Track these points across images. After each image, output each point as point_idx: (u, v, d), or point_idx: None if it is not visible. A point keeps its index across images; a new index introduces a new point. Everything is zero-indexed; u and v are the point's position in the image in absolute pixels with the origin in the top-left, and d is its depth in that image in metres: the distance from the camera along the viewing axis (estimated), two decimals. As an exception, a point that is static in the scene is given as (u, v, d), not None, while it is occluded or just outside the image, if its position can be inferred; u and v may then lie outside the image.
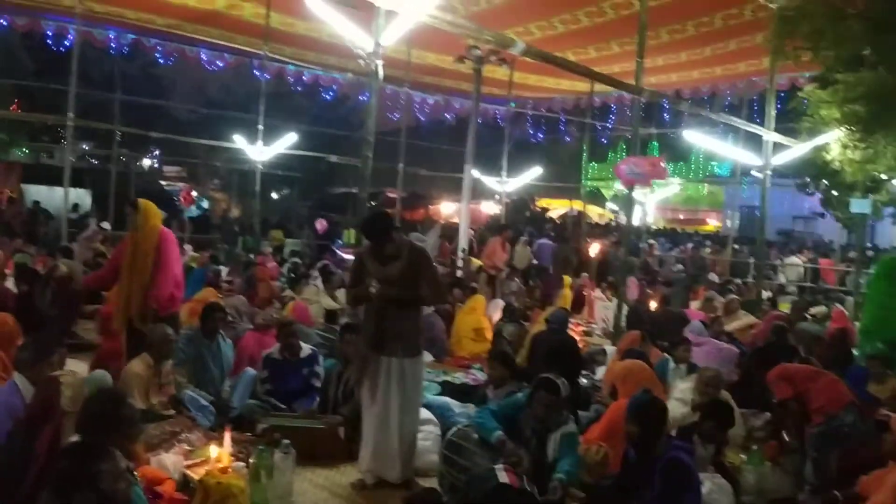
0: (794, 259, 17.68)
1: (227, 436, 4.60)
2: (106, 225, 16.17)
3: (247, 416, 5.48)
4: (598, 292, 11.59)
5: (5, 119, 21.05)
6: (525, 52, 7.93)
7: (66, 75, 14.72)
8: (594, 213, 26.64)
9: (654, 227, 25.96)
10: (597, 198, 26.85)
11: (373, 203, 23.63)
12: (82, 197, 20.98)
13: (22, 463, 3.23)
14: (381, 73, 6.77)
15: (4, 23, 15.18)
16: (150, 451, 4.47)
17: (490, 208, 22.17)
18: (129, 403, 3.16)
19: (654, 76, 14.55)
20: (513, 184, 16.35)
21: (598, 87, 16.38)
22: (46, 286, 8.16)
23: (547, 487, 3.95)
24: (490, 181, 16.12)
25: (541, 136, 25.36)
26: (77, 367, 5.24)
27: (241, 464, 4.36)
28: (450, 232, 16.66)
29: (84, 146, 25.32)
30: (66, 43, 15.63)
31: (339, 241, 18.83)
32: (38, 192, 20.37)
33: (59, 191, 15.97)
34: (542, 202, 29.80)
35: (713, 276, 14.87)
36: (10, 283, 8.69)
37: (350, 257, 15.45)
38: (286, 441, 4.40)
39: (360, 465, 4.79)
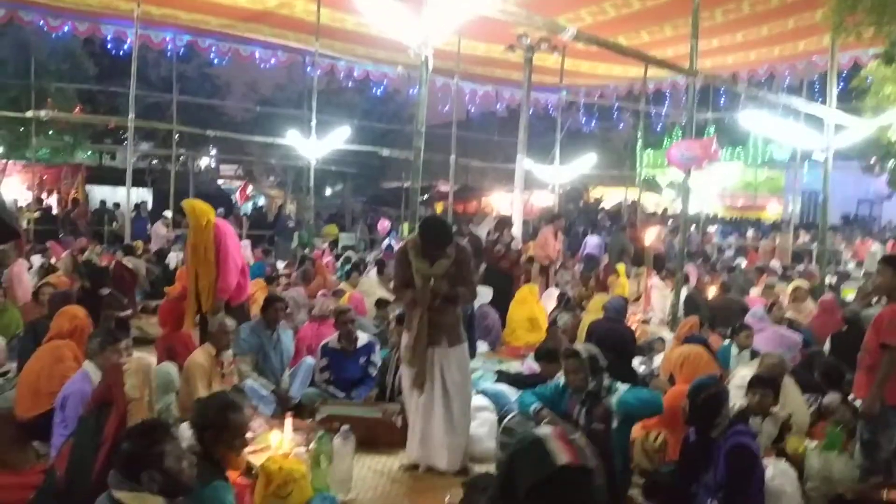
0: (876, 246, 17.04)
1: (288, 423, 4.70)
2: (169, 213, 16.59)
3: (306, 403, 5.59)
4: (655, 280, 11.42)
5: (69, 122, 21.71)
6: (576, 37, 7.85)
7: (126, 78, 15.18)
8: (650, 201, 26.22)
9: (712, 214, 25.40)
10: (652, 186, 26.39)
11: (425, 196, 23.75)
12: (144, 196, 21.56)
13: (93, 444, 3.37)
14: (430, 64, 6.77)
15: (67, 29, 15.70)
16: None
17: (543, 199, 22.03)
18: (241, 413, 3.23)
19: (709, 59, 14.24)
20: (566, 173, 16.19)
21: (652, 72, 16.09)
22: (109, 282, 8.50)
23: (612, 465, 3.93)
24: (542, 171, 16.01)
25: (594, 124, 25.09)
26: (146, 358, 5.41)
27: (302, 450, 4.44)
28: (502, 223, 16.63)
29: (144, 146, 25.97)
30: (125, 46, 16.09)
31: (395, 233, 18.95)
32: (102, 193, 21.01)
33: (121, 191, 16.46)
34: (596, 191, 29.48)
35: (775, 263, 14.51)
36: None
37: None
38: (345, 428, 4.46)
39: (408, 454, 4.84)
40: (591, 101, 21.27)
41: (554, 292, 9.95)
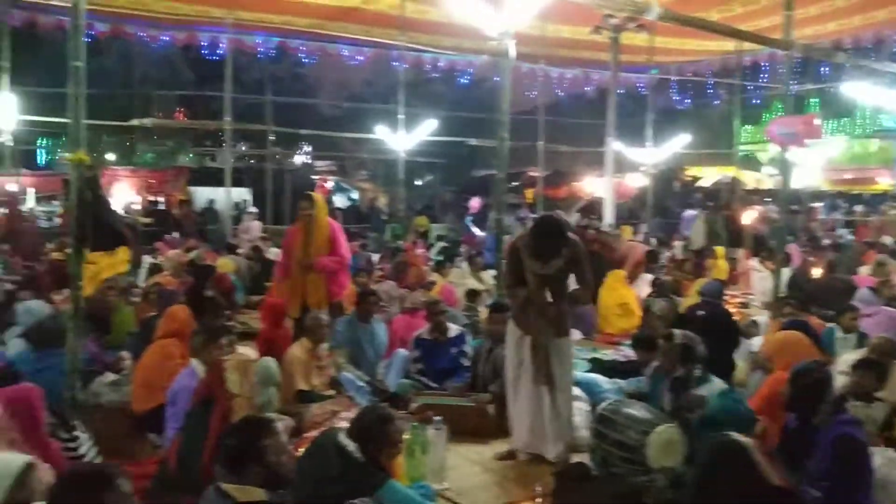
0: None
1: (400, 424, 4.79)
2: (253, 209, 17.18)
3: (401, 394, 5.69)
4: (754, 262, 11.01)
5: (171, 128, 22.81)
6: (662, 16, 7.63)
7: (222, 82, 15.78)
8: (749, 178, 25.22)
9: (817, 189, 24.21)
10: (751, 163, 25.38)
11: (515, 184, 23.62)
12: (243, 195, 22.34)
13: (199, 438, 3.56)
14: (512, 52, 6.73)
15: (167, 38, 16.45)
16: (314, 428, 4.74)
17: (636, 181, 21.55)
18: (395, 425, 3.51)
19: (808, 27, 13.53)
20: (659, 154, 15.78)
21: (748, 44, 15.46)
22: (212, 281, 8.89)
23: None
24: (634, 153, 15.66)
25: (687, 101, 24.33)
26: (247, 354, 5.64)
27: (397, 440, 4.53)
28: (592, 208, 16.38)
29: (241, 147, 26.94)
30: (220, 52, 16.71)
31: (470, 218, 18.95)
32: (204, 194, 21.91)
33: (222, 191, 17.15)
34: (692, 171, 28.57)
35: (886, 239, 13.71)
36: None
37: (482, 234, 15.63)
38: (439, 418, 4.53)
39: (514, 442, 4.86)
40: (683, 77, 20.64)
41: (648, 277, 9.74)
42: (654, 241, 13.32)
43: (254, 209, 17.59)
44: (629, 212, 19.95)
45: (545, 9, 6.92)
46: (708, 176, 26.68)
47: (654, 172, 16.35)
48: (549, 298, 4.71)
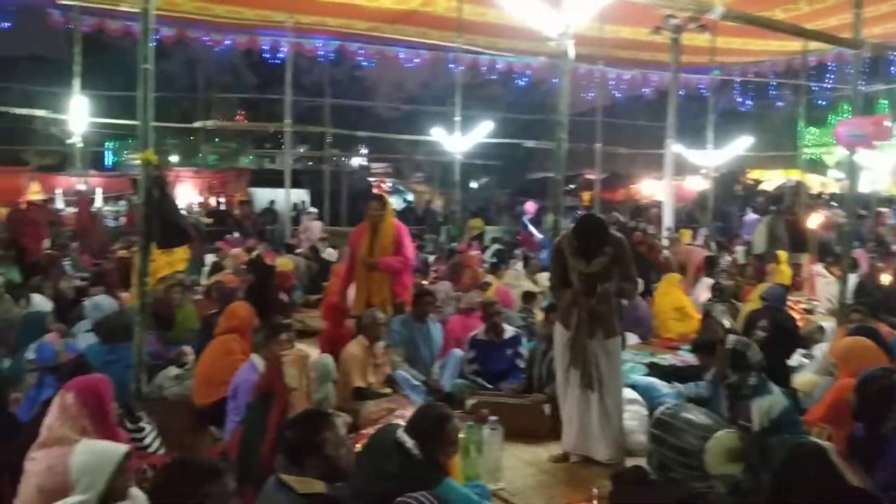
0: None
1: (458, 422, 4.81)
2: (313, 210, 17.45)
3: (456, 394, 5.71)
4: (819, 268, 10.70)
5: (233, 130, 23.35)
6: (725, 15, 7.48)
7: (282, 85, 16.08)
8: (815, 182, 24.50)
9: (886, 193, 23.39)
10: (817, 166, 24.65)
11: (571, 186, 23.46)
12: (301, 197, 22.71)
13: (259, 431, 3.64)
14: (571, 53, 6.68)
15: (229, 42, 16.85)
16: (369, 426, 4.79)
17: (696, 184, 21.17)
18: (453, 424, 3.54)
19: (878, 26, 13.09)
20: (720, 157, 15.45)
21: (814, 44, 15.03)
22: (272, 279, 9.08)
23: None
24: (694, 155, 15.38)
25: (749, 103, 23.77)
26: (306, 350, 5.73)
27: (452, 439, 4.54)
28: (640, 210, 16.22)
29: (300, 149, 27.40)
30: (280, 55, 17.03)
31: (527, 218, 18.89)
32: (263, 195, 22.36)
33: (281, 192, 17.46)
34: (754, 174, 27.90)
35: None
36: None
37: (540, 235, 15.55)
38: (494, 418, 4.52)
39: (564, 444, 4.84)
40: (745, 78, 20.19)
41: (708, 282, 9.56)
42: (713, 245, 13.07)
43: (314, 210, 17.86)
44: (688, 215, 19.58)
45: (605, 9, 6.85)
46: (771, 179, 26.01)
47: (714, 175, 16.02)
48: (596, 299, 4.67)
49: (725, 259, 11.91)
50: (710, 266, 10.38)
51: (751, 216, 16.20)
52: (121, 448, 2.98)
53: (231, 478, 2.39)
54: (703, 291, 9.19)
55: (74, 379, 3.51)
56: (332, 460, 2.80)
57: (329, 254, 13.55)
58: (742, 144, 15.49)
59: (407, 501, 2.60)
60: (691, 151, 15.15)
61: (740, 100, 23.11)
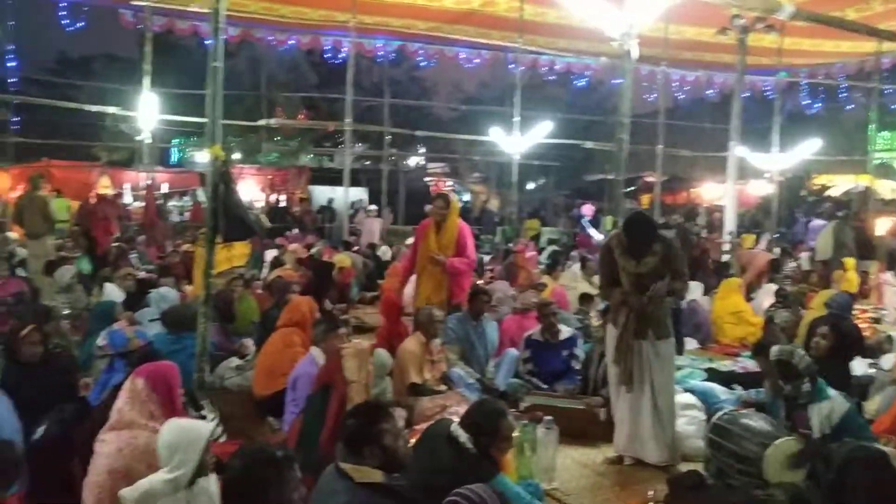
0: None
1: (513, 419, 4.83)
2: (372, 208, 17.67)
3: (510, 393, 5.71)
4: (888, 276, 10.35)
5: (295, 128, 23.77)
6: (794, 15, 7.32)
7: (343, 85, 16.31)
8: (885, 188, 23.68)
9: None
10: (888, 171, 23.82)
11: (630, 188, 23.18)
12: (359, 195, 22.97)
13: (318, 421, 3.71)
14: (635, 53, 6.62)
15: (292, 41, 17.18)
16: (424, 421, 4.83)
17: (759, 189, 20.68)
18: (508, 420, 3.56)
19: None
20: (785, 161, 15.07)
21: (888, 44, 14.53)
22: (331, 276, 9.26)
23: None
24: (759, 159, 15.03)
25: (818, 105, 23.12)
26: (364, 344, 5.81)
27: (506, 437, 4.56)
28: (694, 213, 15.96)
29: (359, 148, 27.70)
30: (342, 55, 17.28)
31: (586, 219, 18.74)
32: (322, 193, 22.69)
33: (339, 190, 17.70)
34: (821, 179, 27.12)
35: None
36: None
37: (600, 236, 15.40)
38: (549, 418, 4.52)
39: (616, 446, 4.81)
40: (814, 80, 19.64)
41: (772, 288, 9.36)
42: (777, 250, 12.76)
43: (373, 207, 18.07)
44: (751, 220, 19.16)
45: (669, 9, 6.77)
46: (839, 184, 25.27)
47: (779, 180, 15.63)
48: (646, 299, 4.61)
49: (790, 265, 11.62)
50: (774, 270, 10.16)
51: (817, 222, 15.74)
52: (207, 425, 3.13)
53: (297, 469, 2.46)
54: (766, 297, 9.00)
55: (144, 365, 3.64)
56: (390, 451, 2.85)
57: (383, 251, 13.69)
58: (809, 148, 15.08)
59: (464, 493, 2.62)
60: (755, 155, 14.81)
61: (808, 102, 22.49)
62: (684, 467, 4.52)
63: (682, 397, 5.18)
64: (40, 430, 4.02)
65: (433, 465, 3.33)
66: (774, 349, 4.38)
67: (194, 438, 2.97)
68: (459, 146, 25.79)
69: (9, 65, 17.25)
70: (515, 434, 4.40)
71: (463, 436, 3.40)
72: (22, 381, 4.38)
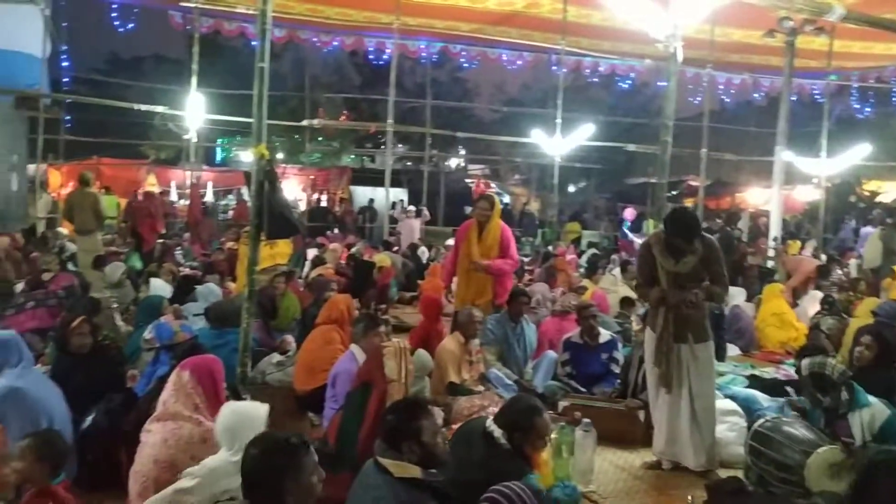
0: None
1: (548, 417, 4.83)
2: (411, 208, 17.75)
3: (548, 395, 5.69)
4: (941, 284, 10.07)
5: (337, 129, 24.00)
6: (845, 17, 7.17)
7: (386, 86, 16.42)
8: (938, 194, 23.04)
9: None
10: (942, 177, 23.19)
11: (674, 192, 22.92)
12: (399, 196, 23.10)
13: (358, 418, 3.76)
14: (679, 55, 6.55)
15: (336, 43, 17.38)
16: (461, 421, 4.84)
17: (806, 194, 20.29)
18: (544, 418, 3.55)
19: None
20: (834, 165, 14.76)
21: (942, 48, 14.18)
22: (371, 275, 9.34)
23: None
24: (806, 164, 14.74)
25: (868, 109, 22.61)
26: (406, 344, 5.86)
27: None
28: (734, 217, 15.70)
29: (400, 149, 27.85)
30: (385, 56, 17.42)
31: (627, 223, 18.59)
32: (363, 193, 22.89)
33: (380, 191, 17.82)
34: (870, 185, 26.48)
35: None
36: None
37: (639, 241, 15.25)
38: (587, 420, 4.50)
39: (654, 449, 4.77)
40: (865, 84, 19.21)
41: (818, 295, 9.18)
42: (824, 257, 12.52)
43: (412, 208, 18.16)
44: (798, 226, 18.80)
45: (716, 11, 6.70)
46: (890, 190, 24.65)
47: (827, 185, 15.31)
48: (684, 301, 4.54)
49: (837, 272, 11.39)
50: (820, 277, 9.97)
51: (867, 229, 15.38)
52: (263, 407, 3.26)
53: (313, 453, 2.50)
54: (812, 304, 8.84)
55: (190, 358, 3.72)
56: (428, 447, 2.88)
57: (421, 252, 13.76)
58: (859, 153, 14.75)
59: (502, 490, 2.63)
60: (803, 159, 14.54)
61: (858, 106, 22.00)
62: (723, 473, 4.47)
63: (723, 403, 5.11)
64: (89, 420, 4.14)
65: (466, 459, 3.34)
66: (805, 363, 4.30)
67: (253, 420, 3.11)
68: (501, 148, 25.78)
69: (62, 65, 17.76)
70: (553, 436, 4.40)
71: (497, 431, 3.41)
72: (71, 371, 4.51)
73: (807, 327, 8.17)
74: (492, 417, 3.54)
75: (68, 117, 18.86)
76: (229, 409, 3.23)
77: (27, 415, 3.70)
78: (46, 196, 14.92)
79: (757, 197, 23.07)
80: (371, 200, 21.92)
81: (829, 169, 14.72)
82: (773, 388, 6.10)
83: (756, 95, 20.69)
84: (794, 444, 3.88)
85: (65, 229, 12.63)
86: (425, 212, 18.73)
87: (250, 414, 3.17)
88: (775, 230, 12.77)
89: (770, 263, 12.09)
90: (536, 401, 3.72)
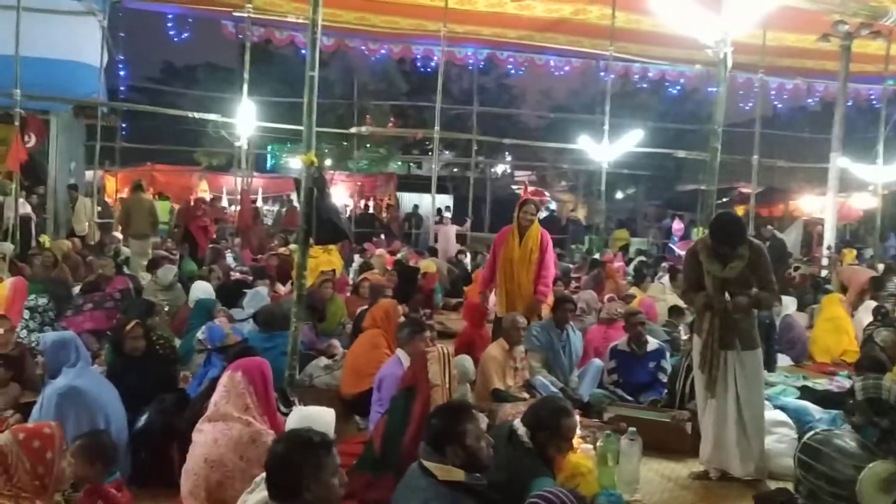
0: None
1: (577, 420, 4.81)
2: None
3: (594, 403, 5.66)
4: None
5: (384, 136, 24.22)
6: (903, 19, 6.99)
7: (432, 93, 16.51)
8: None
9: None
10: None
11: (724, 199, 22.50)
12: (445, 202, 23.17)
13: (402, 422, 3.81)
14: (729, 61, 6.46)
15: (384, 51, 17.57)
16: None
17: (862, 202, 19.75)
18: (571, 420, 3.55)
19: None
20: (891, 172, 14.36)
21: None
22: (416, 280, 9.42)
23: None
24: (862, 170, 14.37)
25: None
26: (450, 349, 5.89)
27: (589, 446, 4.53)
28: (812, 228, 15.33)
29: (446, 155, 27.92)
30: (432, 64, 17.53)
31: (674, 238, 18.35)
32: (409, 199, 23.02)
33: (427, 197, 17.90)
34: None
35: None
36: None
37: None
38: (633, 429, 4.47)
39: (701, 458, 4.71)
40: (925, 88, 18.60)
41: (871, 304, 8.94)
42: (880, 267, 12.18)
43: (448, 214, 18.19)
44: (853, 234, 18.33)
45: (768, 16, 6.59)
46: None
47: (884, 192, 14.89)
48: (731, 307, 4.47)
49: (894, 283, 11.06)
50: (875, 289, 9.71)
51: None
52: (330, 412, 3.44)
53: (336, 455, 2.54)
54: (866, 314, 8.61)
55: (241, 360, 3.81)
56: (472, 451, 2.90)
57: (461, 257, 13.79)
58: (918, 160, 14.31)
59: (545, 496, 2.64)
60: (859, 166, 14.17)
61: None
62: (772, 485, 4.40)
63: (773, 414, 5.02)
64: (142, 419, 4.27)
65: (495, 461, 3.34)
66: (859, 386, 4.19)
67: (322, 425, 3.18)
68: (547, 154, 25.67)
69: (119, 74, 18.29)
70: (599, 444, 4.38)
71: (521, 429, 3.40)
72: (126, 372, 4.65)
73: (860, 338, 7.97)
74: (519, 417, 3.53)
75: (124, 125, 19.37)
76: (299, 413, 3.32)
77: (85, 413, 3.84)
78: (83, 200, 15.08)
79: (811, 204, 22.54)
80: (416, 206, 22.02)
81: (886, 176, 14.32)
82: (825, 399, 5.97)
83: (810, 101, 20.24)
84: (844, 458, 3.79)
85: (118, 234, 12.99)
86: (463, 219, 18.81)
87: (320, 419, 3.25)
88: (829, 239, 12.49)
89: (824, 273, 11.82)
90: (566, 402, 3.70)
